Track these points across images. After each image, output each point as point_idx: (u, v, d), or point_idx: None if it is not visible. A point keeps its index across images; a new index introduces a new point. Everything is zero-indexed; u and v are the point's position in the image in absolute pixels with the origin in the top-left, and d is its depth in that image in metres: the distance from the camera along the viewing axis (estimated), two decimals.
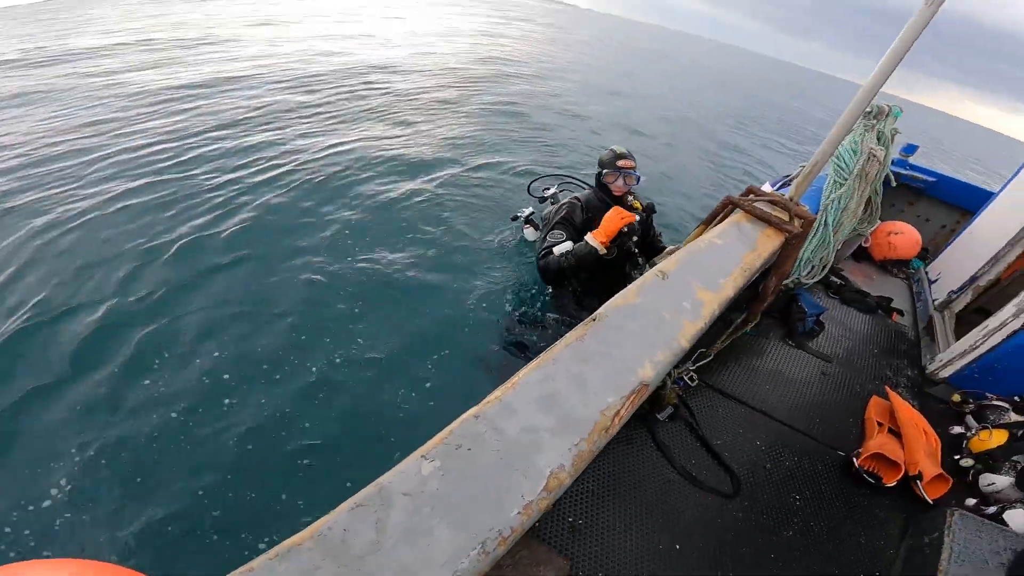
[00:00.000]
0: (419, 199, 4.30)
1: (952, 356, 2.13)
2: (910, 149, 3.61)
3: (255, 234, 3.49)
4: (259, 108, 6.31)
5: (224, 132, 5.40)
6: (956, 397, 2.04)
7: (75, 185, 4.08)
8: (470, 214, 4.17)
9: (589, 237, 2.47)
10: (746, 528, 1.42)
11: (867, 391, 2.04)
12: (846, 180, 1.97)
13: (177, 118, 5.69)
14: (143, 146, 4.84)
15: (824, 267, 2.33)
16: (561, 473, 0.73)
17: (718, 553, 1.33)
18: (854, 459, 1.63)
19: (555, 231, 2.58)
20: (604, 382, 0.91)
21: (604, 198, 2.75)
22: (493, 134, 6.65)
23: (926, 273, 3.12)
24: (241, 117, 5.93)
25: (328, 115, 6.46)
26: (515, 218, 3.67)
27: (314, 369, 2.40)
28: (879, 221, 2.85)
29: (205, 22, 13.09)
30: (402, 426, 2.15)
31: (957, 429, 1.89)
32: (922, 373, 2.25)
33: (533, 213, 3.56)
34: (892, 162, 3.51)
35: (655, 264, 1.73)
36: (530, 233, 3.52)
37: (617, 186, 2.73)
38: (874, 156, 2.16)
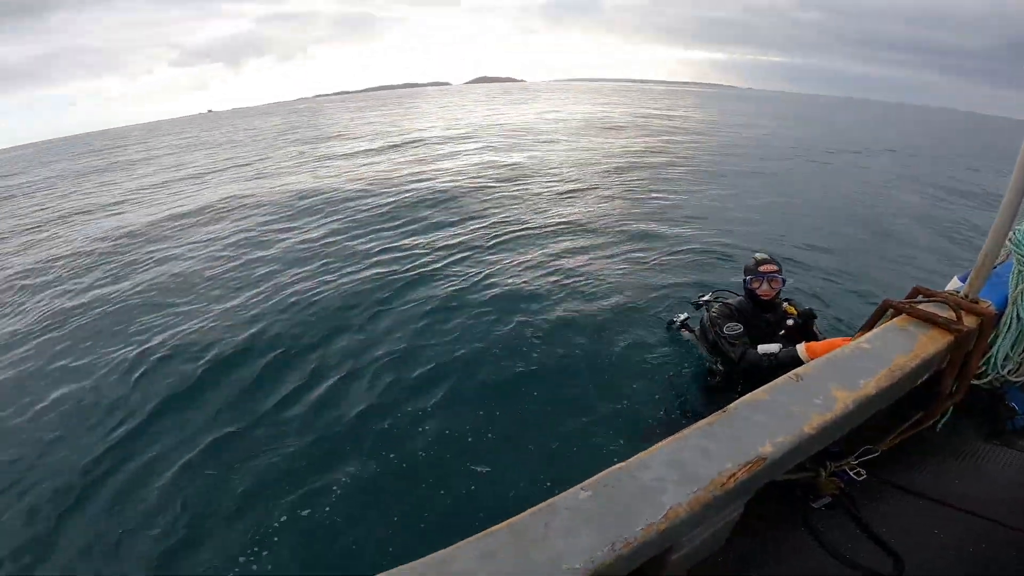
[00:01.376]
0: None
1: None
2: None
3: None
4: None
5: None
6: None
7: None
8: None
9: (801, 350, 2.60)
10: None
11: None
12: None
13: None
14: None
15: None
16: (679, 508, 0.99)
17: None
18: None
19: (731, 323, 2.97)
20: (724, 455, 1.14)
21: (752, 305, 2.99)
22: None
23: None
24: None
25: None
26: (671, 323, 4.04)
27: (550, 429, 3.28)
28: None
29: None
30: (569, 464, 2.92)
31: None
32: None
33: (688, 318, 3.92)
34: None
35: None
36: (686, 335, 3.88)
37: (763, 291, 2.97)
38: None
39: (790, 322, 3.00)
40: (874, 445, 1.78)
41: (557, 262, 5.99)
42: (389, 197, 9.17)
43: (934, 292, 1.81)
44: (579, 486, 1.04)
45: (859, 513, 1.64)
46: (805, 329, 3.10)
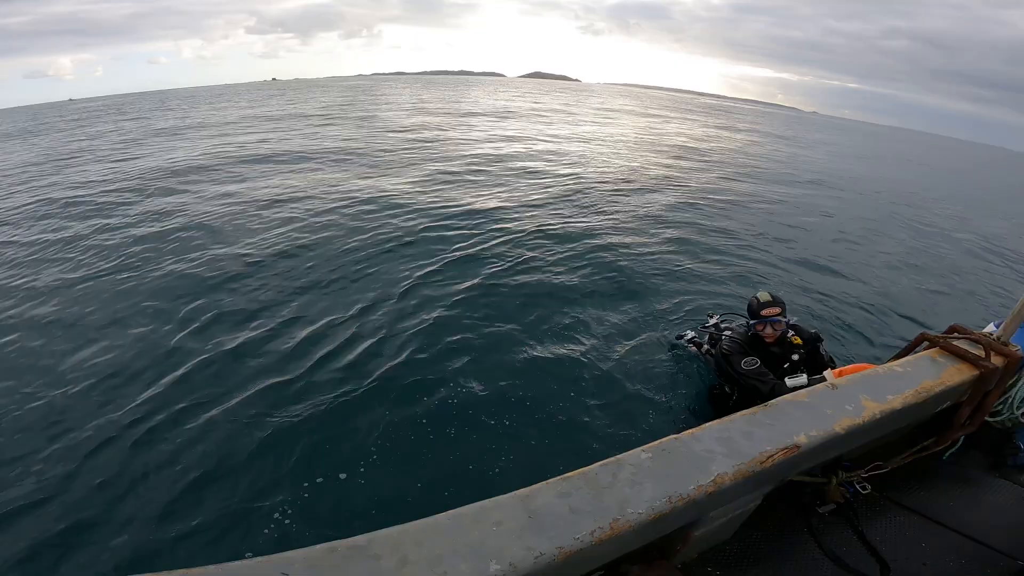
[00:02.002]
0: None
1: None
2: None
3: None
4: None
5: None
6: None
7: None
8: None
9: (829, 376, 2.76)
10: None
11: None
12: None
13: None
14: None
15: None
16: (725, 475, 1.15)
17: None
18: None
19: (747, 359, 3.05)
20: (765, 438, 1.29)
21: (757, 343, 3.10)
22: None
23: None
24: None
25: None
26: (679, 338, 4.19)
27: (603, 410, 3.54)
28: None
29: None
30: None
31: None
32: None
33: (695, 336, 4.06)
34: None
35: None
36: (693, 350, 4.04)
37: (767, 334, 3.08)
38: None
39: (795, 357, 3.07)
40: (884, 462, 1.95)
41: (594, 256, 6.34)
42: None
43: (969, 331, 1.93)
44: (640, 448, 1.20)
45: (859, 523, 1.79)
46: (812, 354, 3.15)
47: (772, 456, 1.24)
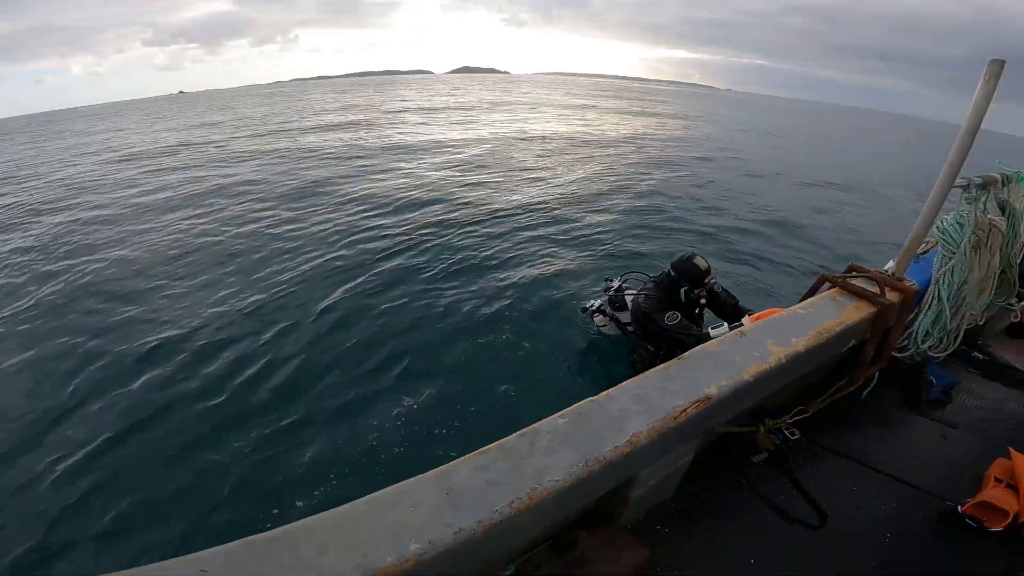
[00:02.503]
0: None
1: None
2: None
3: None
4: None
5: None
6: None
7: None
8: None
9: (747, 322, 2.87)
10: (827, 558, 1.52)
11: (995, 455, 1.94)
12: (954, 254, 2.03)
13: None
14: None
15: (955, 340, 2.28)
16: (640, 434, 1.15)
17: (799, 571, 1.47)
18: (959, 507, 1.65)
19: (669, 313, 3.22)
20: (678, 393, 1.30)
21: (677, 298, 3.28)
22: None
23: None
24: None
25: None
26: (585, 310, 4.21)
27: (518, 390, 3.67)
28: (1016, 297, 2.71)
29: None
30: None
31: None
32: None
33: (601, 305, 4.08)
34: None
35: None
36: (599, 320, 4.03)
37: (703, 296, 3.29)
38: (995, 227, 2.17)
39: (703, 301, 3.34)
40: (807, 407, 1.98)
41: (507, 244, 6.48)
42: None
43: (866, 270, 2.01)
44: (557, 414, 1.19)
45: (792, 469, 1.83)
46: (713, 297, 3.45)
47: (685, 410, 1.24)
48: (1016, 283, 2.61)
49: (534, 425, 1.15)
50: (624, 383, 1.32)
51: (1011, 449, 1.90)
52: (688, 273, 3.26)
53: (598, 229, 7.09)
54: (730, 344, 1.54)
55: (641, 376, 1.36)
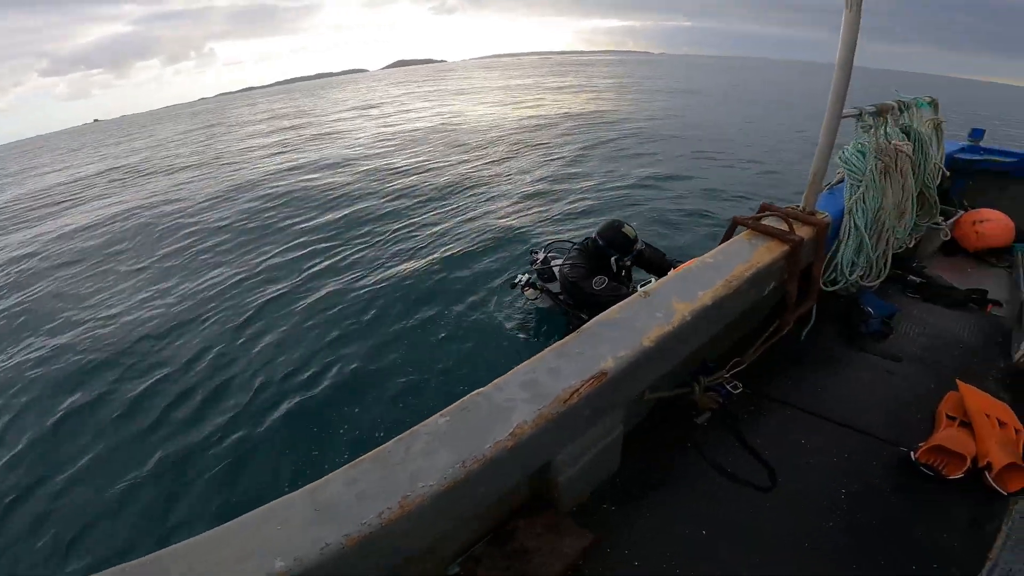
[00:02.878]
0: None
1: None
2: (977, 133, 3.41)
3: None
4: None
5: None
6: None
7: None
8: None
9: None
10: (782, 521, 1.43)
11: (944, 388, 1.89)
12: (860, 181, 2.03)
13: None
14: None
15: (885, 265, 2.29)
16: (524, 425, 1.07)
17: (750, 542, 1.38)
18: (912, 453, 1.57)
19: (596, 278, 3.18)
20: (573, 372, 1.21)
21: (605, 265, 3.26)
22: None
23: (1021, 258, 2.86)
24: None
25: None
26: (514, 285, 4.12)
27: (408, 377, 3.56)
28: (941, 216, 2.77)
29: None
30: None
31: None
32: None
33: (531, 278, 4.01)
34: (963, 149, 3.33)
35: None
36: (530, 293, 3.96)
37: (629, 264, 3.29)
38: (901, 152, 2.18)
39: (627, 262, 3.33)
40: (742, 357, 1.94)
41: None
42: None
43: (777, 208, 1.97)
44: (439, 413, 1.11)
45: (737, 427, 1.76)
46: (638, 256, 3.43)
47: (577, 390, 1.15)
48: (936, 203, 2.65)
49: (415, 427, 1.07)
50: (517, 367, 1.24)
51: (958, 381, 1.84)
52: (615, 242, 3.24)
53: (525, 205, 7.03)
54: (632, 308, 1.45)
55: (534, 358, 1.27)
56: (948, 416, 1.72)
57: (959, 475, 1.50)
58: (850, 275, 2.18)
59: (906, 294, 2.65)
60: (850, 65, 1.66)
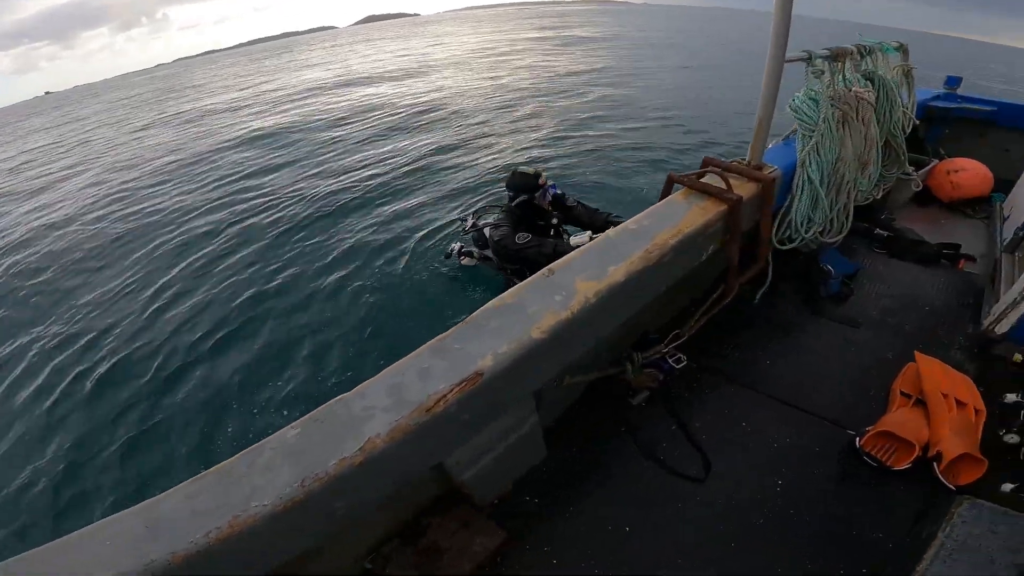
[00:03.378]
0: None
1: (1007, 305, 1.75)
2: (953, 81, 3.21)
3: None
4: None
5: None
6: (1017, 357, 1.68)
7: None
8: None
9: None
10: (710, 517, 1.33)
11: (903, 359, 1.74)
12: (813, 132, 1.84)
13: None
14: None
15: (847, 219, 2.12)
16: (377, 439, 0.95)
17: (676, 541, 1.28)
18: (857, 439, 1.44)
19: (520, 234, 3.05)
20: (445, 372, 1.05)
21: (532, 212, 3.18)
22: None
23: (1000, 209, 2.68)
24: None
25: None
26: (449, 255, 4.05)
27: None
28: (912, 167, 2.59)
29: None
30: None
31: (1011, 397, 1.54)
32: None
33: (463, 246, 3.97)
34: (938, 97, 3.13)
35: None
36: (467, 261, 3.91)
37: (546, 202, 3.19)
38: (862, 99, 1.99)
39: (555, 221, 3.26)
40: (683, 329, 1.79)
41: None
42: None
43: (720, 162, 1.78)
44: (292, 424, 1.00)
45: (675, 407, 1.63)
46: (567, 211, 3.36)
47: (444, 396, 1.01)
48: (904, 152, 2.47)
49: (264, 440, 0.97)
50: (389, 367, 1.09)
51: (917, 354, 1.69)
52: (518, 184, 3.14)
53: (465, 171, 6.66)
54: (529, 290, 1.27)
55: (411, 355, 1.12)
56: (902, 393, 1.59)
57: (906, 465, 1.37)
58: (806, 232, 2.03)
59: (872, 249, 2.51)
60: (790, 4, 1.47)
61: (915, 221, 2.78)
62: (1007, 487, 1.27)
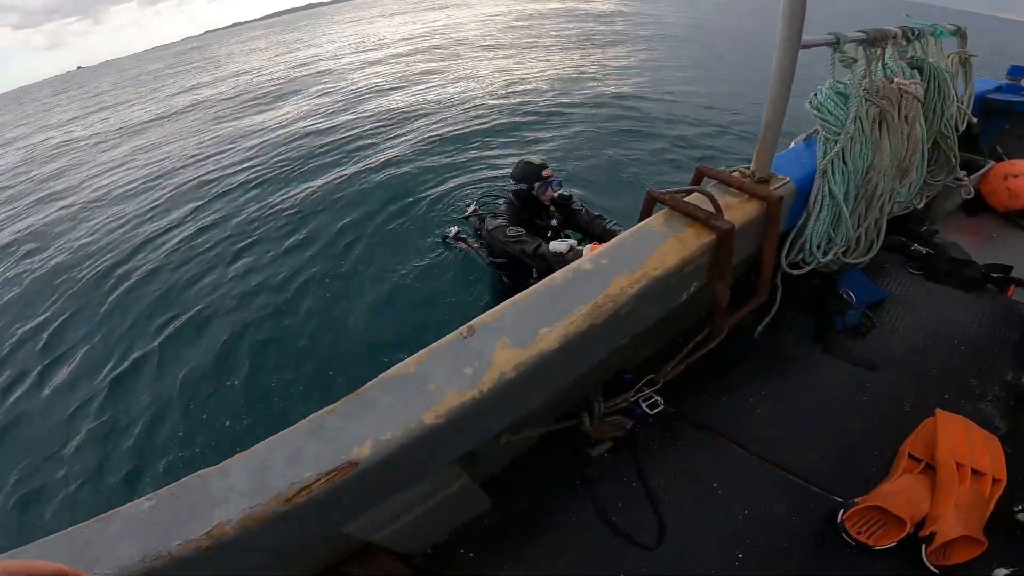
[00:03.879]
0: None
1: None
2: (1018, 72, 2.70)
3: None
4: None
5: None
6: None
7: None
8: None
9: (587, 251, 2.51)
10: None
11: (921, 413, 1.44)
12: (839, 134, 1.49)
13: None
14: None
15: (877, 236, 1.75)
16: (226, 525, 0.84)
17: None
18: (841, 511, 1.22)
19: (514, 227, 2.90)
20: (316, 458, 0.88)
21: (531, 207, 3.02)
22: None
23: None
24: None
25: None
26: (445, 238, 4.01)
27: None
28: (964, 171, 2.18)
29: None
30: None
31: None
32: None
33: (460, 231, 3.92)
34: (999, 89, 2.68)
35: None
36: (463, 246, 3.90)
37: (547, 196, 2.98)
38: (907, 93, 1.62)
39: (555, 223, 3.10)
40: (657, 375, 1.50)
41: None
42: None
43: (716, 172, 1.45)
44: (150, 494, 0.91)
45: (640, 461, 1.41)
46: (571, 214, 3.17)
47: (309, 487, 0.86)
48: (956, 155, 2.08)
49: (119, 508, 0.89)
50: (261, 444, 0.93)
51: (937, 411, 1.40)
52: (523, 174, 2.97)
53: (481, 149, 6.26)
54: (440, 355, 1.01)
55: (287, 431, 0.93)
56: (911, 456, 1.33)
57: (890, 544, 1.16)
58: (822, 256, 1.69)
59: (907, 268, 2.13)
60: None
61: (962, 234, 2.39)
62: (1000, 572, 1.09)
